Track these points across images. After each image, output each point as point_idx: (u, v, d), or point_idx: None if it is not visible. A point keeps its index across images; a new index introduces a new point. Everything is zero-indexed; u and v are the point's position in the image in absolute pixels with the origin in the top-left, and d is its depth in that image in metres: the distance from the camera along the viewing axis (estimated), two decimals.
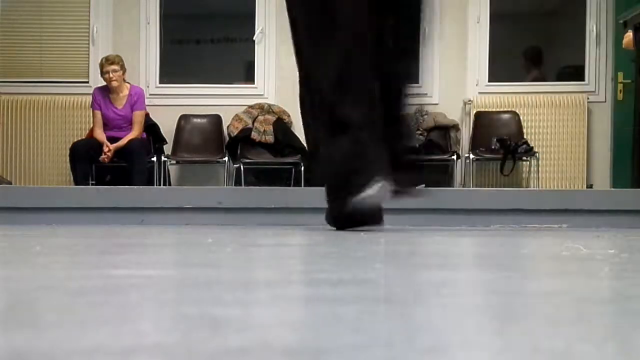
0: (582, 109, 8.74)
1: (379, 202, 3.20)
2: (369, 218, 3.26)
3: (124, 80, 7.91)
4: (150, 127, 8.12)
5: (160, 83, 8.91)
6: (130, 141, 7.72)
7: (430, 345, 0.76)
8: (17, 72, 8.82)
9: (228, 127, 8.61)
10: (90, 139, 7.91)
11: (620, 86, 8.67)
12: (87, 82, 8.71)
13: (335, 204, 3.31)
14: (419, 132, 8.57)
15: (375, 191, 3.13)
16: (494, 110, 8.76)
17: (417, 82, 3.42)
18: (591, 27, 8.82)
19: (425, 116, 8.64)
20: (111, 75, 7.76)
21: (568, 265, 1.75)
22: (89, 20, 8.87)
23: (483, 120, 8.70)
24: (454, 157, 8.48)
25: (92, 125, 8.00)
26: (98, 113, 7.86)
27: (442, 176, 8.67)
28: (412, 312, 0.99)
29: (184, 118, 8.71)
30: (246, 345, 0.74)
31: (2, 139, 8.69)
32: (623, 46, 7.29)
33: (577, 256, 1.98)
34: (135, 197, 4.24)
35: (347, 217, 3.24)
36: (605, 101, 8.82)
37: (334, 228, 3.36)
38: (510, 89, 8.87)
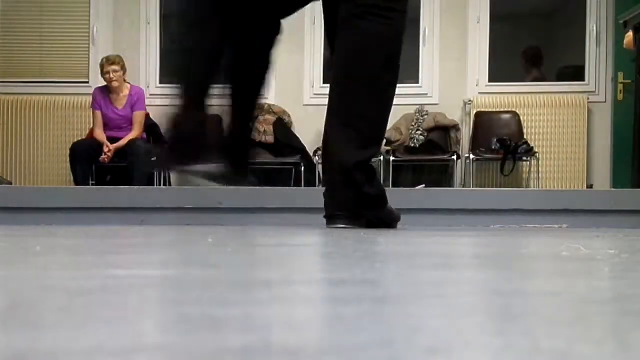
0: (582, 109, 8.74)
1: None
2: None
3: (124, 80, 7.92)
4: (150, 127, 8.12)
5: (160, 83, 8.91)
6: (130, 141, 7.72)
7: (430, 345, 0.76)
8: (17, 72, 8.83)
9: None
10: (90, 139, 7.91)
11: (620, 86, 8.68)
12: (87, 82, 8.72)
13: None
14: (419, 132, 8.57)
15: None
16: (494, 110, 8.76)
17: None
18: (591, 27, 8.83)
19: (425, 116, 8.64)
20: (111, 75, 7.76)
21: (568, 265, 1.75)
22: (89, 20, 8.88)
23: (483, 120, 8.71)
24: (454, 157, 8.48)
25: (92, 125, 8.00)
26: (98, 113, 7.86)
27: (442, 176, 8.67)
28: (412, 312, 0.99)
29: None
30: (246, 345, 0.74)
31: (2, 139, 8.70)
32: (624, 46, 7.29)
33: (577, 256, 1.98)
34: (135, 197, 4.24)
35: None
36: (605, 101, 8.83)
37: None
38: (510, 89, 8.88)
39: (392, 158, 8.46)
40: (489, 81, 8.90)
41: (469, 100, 8.80)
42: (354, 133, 3.36)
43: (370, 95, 3.38)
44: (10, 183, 8.08)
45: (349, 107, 3.37)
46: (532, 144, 8.56)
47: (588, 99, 8.78)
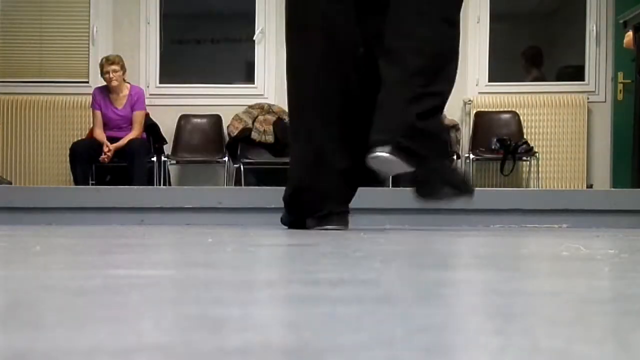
0: (582, 109, 8.74)
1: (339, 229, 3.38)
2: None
3: (124, 80, 7.92)
4: (150, 127, 8.12)
5: (160, 83, 8.91)
6: (130, 141, 7.72)
7: (430, 345, 0.76)
8: (17, 72, 8.82)
9: (228, 127, 8.61)
10: (90, 139, 7.91)
11: (620, 86, 8.67)
12: (87, 82, 8.71)
13: (292, 215, 3.55)
14: None
15: (334, 224, 3.37)
16: (494, 110, 8.76)
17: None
18: (591, 27, 8.82)
19: None
20: (111, 75, 7.76)
21: (568, 265, 1.75)
22: (89, 20, 8.87)
23: (483, 120, 8.71)
24: (454, 157, 8.48)
25: (92, 125, 8.00)
26: (98, 113, 7.86)
27: None
28: (412, 312, 0.99)
29: (184, 118, 8.71)
30: (246, 345, 0.74)
31: (2, 139, 8.70)
32: (624, 46, 7.29)
33: (577, 256, 1.98)
34: (135, 197, 4.24)
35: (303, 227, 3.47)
36: (605, 101, 8.82)
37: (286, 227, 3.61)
38: (510, 89, 8.87)
39: None
40: (489, 81, 8.90)
41: (469, 100, 8.80)
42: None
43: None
44: (10, 183, 8.08)
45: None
46: (532, 144, 8.56)
47: (588, 99, 8.78)
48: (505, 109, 8.77)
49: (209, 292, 1.19)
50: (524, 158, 8.56)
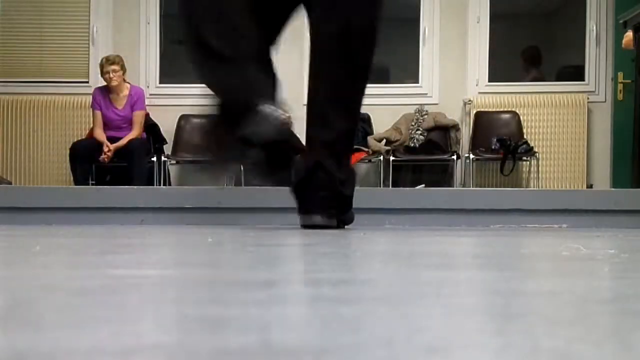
0: (582, 109, 8.74)
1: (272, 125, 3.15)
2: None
3: (124, 80, 7.92)
4: (150, 127, 8.13)
5: (160, 83, 8.91)
6: (130, 141, 7.72)
7: (430, 345, 0.76)
8: (17, 72, 8.83)
9: None
10: (90, 139, 7.92)
11: (620, 86, 8.67)
12: (87, 82, 8.72)
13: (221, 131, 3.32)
14: (419, 132, 8.58)
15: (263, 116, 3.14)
16: (494, 110, 8.76)
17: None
18: (591, 27, 8.83)
19: (425, 116, 8.64)
20: (111, 75, 7.77)
21: (568, 265, 1.75)
22: (89, 20, 8.88)
23: (483, 120, 8.71)
24: (454, 157, 8.48)
25: (92, 125, 8.01)
26: (98, 113, 7.87)
27: (442, 176, 8.67)
28: (412, 312, 0.99)
29: (184, 118, 8.71)
30: (246, 345, 0.74)
31: (2, 139, 8.70)
32: (622, 46, 7.29)
33: (577, 256, 1.98)
34: (135, 197, 4.24)
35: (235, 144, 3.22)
36: (605, 101, 8.83)
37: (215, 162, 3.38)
38: (510, 89, 8.87)
39: (392, 158, 8.46)
40: (489, 81, 8.90)
41: (469, 100, 8.80)
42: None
43: None
44: (10, 183, 8.08)
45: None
46: (532, 144, 8.56)
47: (588, 99, 8.78)
48: (505, 109, 8.77)
49: (209, 292, 1.19)
50: (524, 158, 8.56)
